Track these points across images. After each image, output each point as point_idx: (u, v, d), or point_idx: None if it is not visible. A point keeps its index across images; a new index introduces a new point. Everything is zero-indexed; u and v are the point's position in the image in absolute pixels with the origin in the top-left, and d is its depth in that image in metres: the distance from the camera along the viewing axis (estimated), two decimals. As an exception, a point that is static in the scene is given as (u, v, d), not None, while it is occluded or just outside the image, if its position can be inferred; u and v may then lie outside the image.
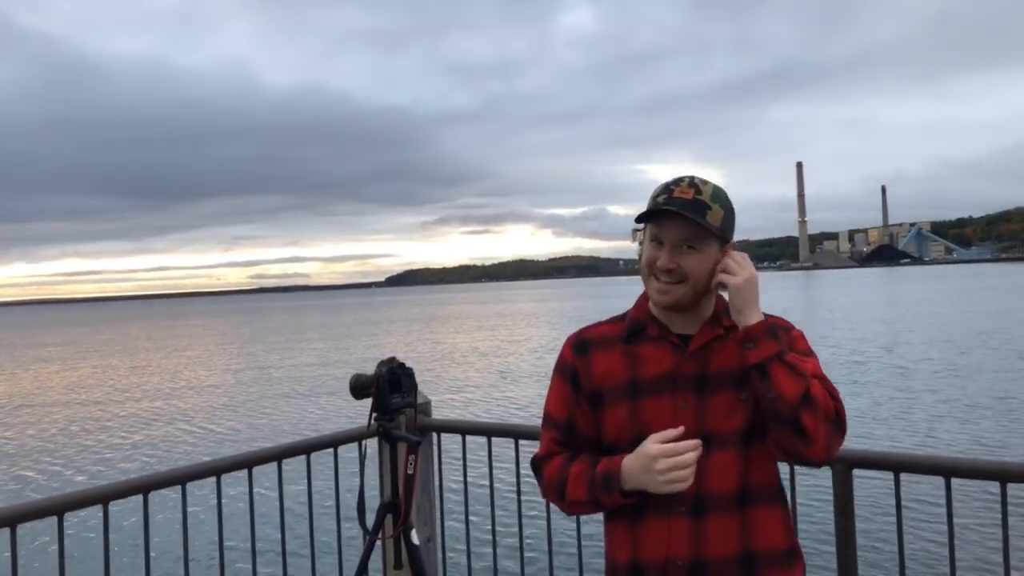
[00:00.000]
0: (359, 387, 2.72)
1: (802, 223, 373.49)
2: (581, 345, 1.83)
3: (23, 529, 2.13)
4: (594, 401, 1.79)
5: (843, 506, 2.25)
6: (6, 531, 2.10)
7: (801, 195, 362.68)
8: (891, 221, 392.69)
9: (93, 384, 26.14)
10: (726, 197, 1.74)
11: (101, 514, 2.31)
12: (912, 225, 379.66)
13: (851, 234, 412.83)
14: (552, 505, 2.84)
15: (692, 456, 1.61)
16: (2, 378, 29.80)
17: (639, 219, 1.76)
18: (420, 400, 2.87)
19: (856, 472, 2.26)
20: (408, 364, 2.78)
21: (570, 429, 1.83)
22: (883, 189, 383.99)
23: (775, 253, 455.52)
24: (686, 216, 1.66)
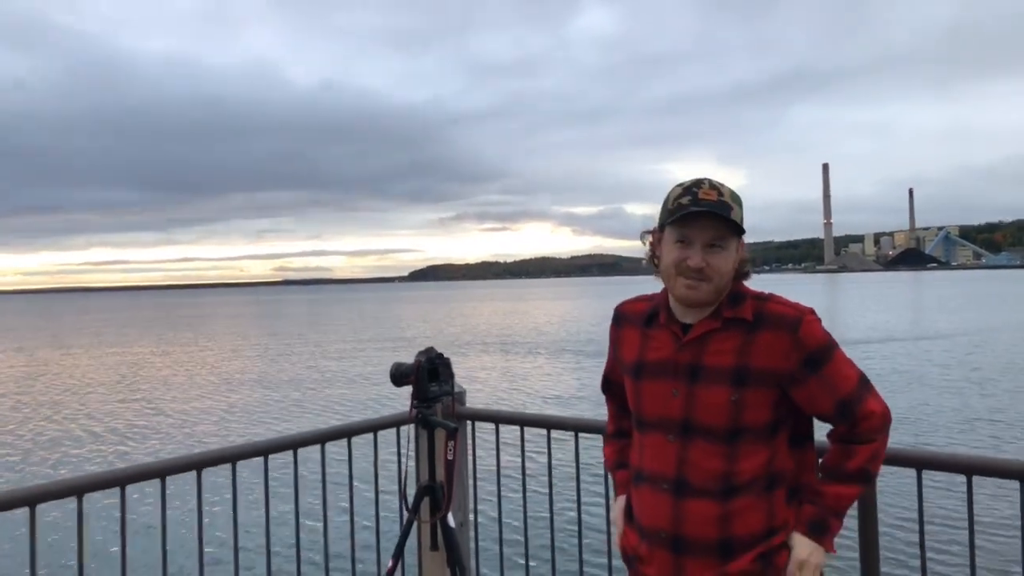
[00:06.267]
0: (399, 375, 2.83)
1: (827, 225, 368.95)
2: (617, 317, 2.05)
3: (42, 509, 2.17)
4: (622, 367, 2.01)
5: (866, 502, 2.30)
6: (26, 511, 2.14)
7: (827, 197, 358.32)
8: (914, 225, 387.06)
9: (137, 370, 26.39)
10: (739, 197, 1.84)
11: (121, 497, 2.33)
12: (940, 229, 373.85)
13: (876, 237, 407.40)
14: (582, 491, 2.95)
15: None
16: (39, 361, 30.35)
17: (669, 221, 1.79)
18: (456, 389, 2.97)
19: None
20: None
21: (607, 381, 2.12)
22: (910, 192, 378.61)
23: (800, 255, 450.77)
24: (718, 216, 1.74)
